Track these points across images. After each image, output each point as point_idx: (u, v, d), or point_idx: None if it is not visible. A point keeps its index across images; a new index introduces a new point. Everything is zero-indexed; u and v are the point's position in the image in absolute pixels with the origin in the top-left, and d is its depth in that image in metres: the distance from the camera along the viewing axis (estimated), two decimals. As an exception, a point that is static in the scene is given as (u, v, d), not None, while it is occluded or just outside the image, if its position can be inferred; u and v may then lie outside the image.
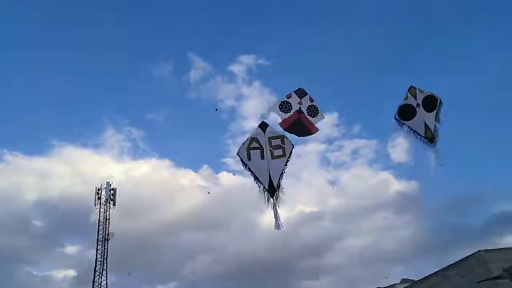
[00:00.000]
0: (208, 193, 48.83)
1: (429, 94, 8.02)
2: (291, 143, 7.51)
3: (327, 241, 53.23)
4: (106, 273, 33.45)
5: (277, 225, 7.36)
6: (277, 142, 7.58)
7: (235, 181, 58.51)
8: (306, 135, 8.07)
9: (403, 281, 24.87)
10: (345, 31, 66.89)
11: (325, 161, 64.42)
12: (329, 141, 62.63)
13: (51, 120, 67.38)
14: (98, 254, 33.70)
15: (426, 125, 7.92)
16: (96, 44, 71.11)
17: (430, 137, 7.86)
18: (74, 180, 51.48)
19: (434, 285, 17.81)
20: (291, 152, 7.54)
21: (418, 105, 7.95)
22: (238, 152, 7.60)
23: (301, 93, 8.23)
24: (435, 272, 18.17)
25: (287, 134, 7.80)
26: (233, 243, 49.99)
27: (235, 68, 62.73)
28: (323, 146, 62.05)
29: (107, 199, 35.14)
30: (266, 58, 64.14)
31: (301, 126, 7.93)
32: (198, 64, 66.32)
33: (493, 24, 59.97)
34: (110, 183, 36.13)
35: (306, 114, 7.95)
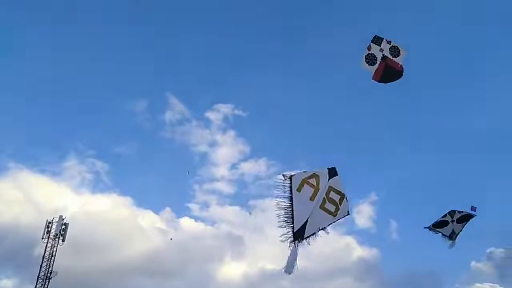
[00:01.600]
0: (171, 239, 47.24)
1: (395, 45, 8.07)
2: (348, 210, 6.70)
3: (286, 303, 51.55)
4: (42, 314, 31.07)
5: (289, 268, 6.22)
6: (336, 197, 6.71)
7: (197, 228, 57.08)
8: (398, 78, 8.02)
9: None
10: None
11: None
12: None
13: (9, 140, 64.55)
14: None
15: (453, 232, 10.11)
16: (71, 67, 70.72)
17: (453, 239, 10.08)
18: (26, 207, 48.61)
19: None
20: (343, 217, 6.70)
21: (452, 221, 10.12)
22: (292, 175, 6.59)
23: (377, 40, 8.10)
24: None
25: None
26: (186, 294, 47.68)
27: (212, 115, 63.57)
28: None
29: (56, 234, 33.37)
30: (244, 109, 65.65)
31: (391, 72, 7.91)
32: (175, 105, 66.84)
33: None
34: (63, 217, 34.45)
35: (391, 57, 7.88)
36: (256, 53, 73.37)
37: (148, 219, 55.82)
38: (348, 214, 6.66)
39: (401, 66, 8.03)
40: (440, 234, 10.16)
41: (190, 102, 74.04)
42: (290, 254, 6.18)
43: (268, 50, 72.56)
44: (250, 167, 60.64)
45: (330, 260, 53.26)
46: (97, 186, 63.15)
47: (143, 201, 78.44)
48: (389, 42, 7.99)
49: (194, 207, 60.82)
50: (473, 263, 50.26)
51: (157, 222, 55.99)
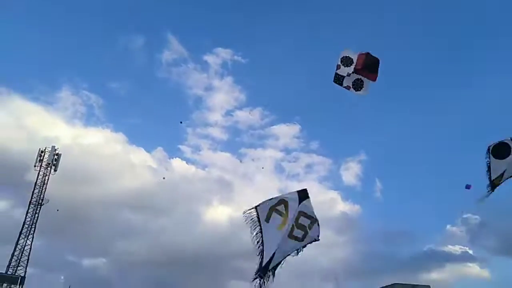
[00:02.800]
0: (164, 178, 48.06)
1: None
2: (318, 234, 6.38)
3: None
4: (33, 237, 32.44)
5: None
6: (306, 222, 6.45)
7: (187, 170, 58.01)
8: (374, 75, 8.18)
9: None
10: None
11: (279, 169, 65.31)
12: (287, 151, 63.55)
13: (3, 65, 62.89)
14: (27, 217, 32.54)
15: (503, 173, 7.31)
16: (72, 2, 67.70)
17: (495, 184, 7.32)
18: (17, 133, 48.51)
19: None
20: (311, 242, 6.40)
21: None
22: (258, 206, 6.40)
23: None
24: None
25: None
26: (172, 231, 49.50)
27: (210, 59, 62.04)
28: (280, 155, 62.80)
29: (48, 164, 33.79)
30: (243, 56, 64.07)
31: (372, 65, 8.07)
32: (173, 45, 64.71)
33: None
34: (56, 148, 34.75)
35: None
36: (264, 1, 70.63)
37: (140, 157, 56.56)
38: (317, 239, 6.39)
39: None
40: (488, 169, 7.32)
41: (189, 43, 72.20)
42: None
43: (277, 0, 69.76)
44: (245, 116, 60.68)
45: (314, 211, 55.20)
46: (90, 119, 63.11)
47: (135, 138, 78.86)
48: (355, 72, 8.08)
49: (186, 149, 61.54)
50: (448, 227, 53.02)
51: (148, 160, 56.82)
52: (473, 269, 47.31)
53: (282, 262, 6.22)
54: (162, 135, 72.87)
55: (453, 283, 47.87)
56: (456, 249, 48.50)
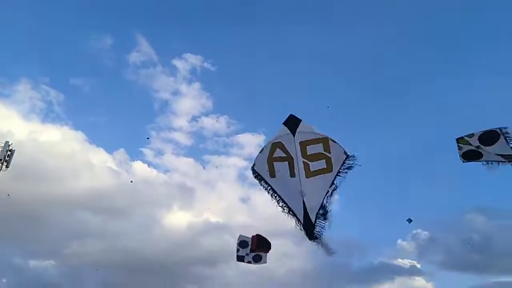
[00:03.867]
0: (131, 182, 47.18)
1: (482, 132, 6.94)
2: (343, 150, 5.01)
3: (225, 254, 53.71)
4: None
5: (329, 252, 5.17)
6: (317, 148, 5.06)
7: (149, 173, 57.19)
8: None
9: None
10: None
11: (242, 178, 65.60)
12: (251, 160, 63.53)
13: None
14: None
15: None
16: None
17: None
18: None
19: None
20: (344, 163, 5.02)
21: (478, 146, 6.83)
22: (254, 165, 5.33)
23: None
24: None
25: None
26: (129, 234, 48.25)
27: (180, 63, 61.65)
28: (244, 163, 63.20)
29: (0, 159, 32.05)
30: (213, 63, 64.14)
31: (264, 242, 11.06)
32: (143, 47, 63.86)
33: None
34: (10, 143, 33.02)
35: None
36: (237, 9, 71.26)
37: (100, 158, 55.00)
38: (347, 155, 4.99)
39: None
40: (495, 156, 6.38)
41: (159, 46, 71.35)
42: (323, 249, 5.13)
43: (251, 10, 70.56)
44: (210, 123, 60.61)
45: (274, 221, 55.74)
46: (48, 115, 60.53)
47: (96, 138, 76.57)
48: (252, 251, 11.69)
49: (148, 152, 60.42)
50: (399, 241, 55.28)
51: (108, 161, 55.36)
52: (420, 282, 49.50)
53: (326, 207, 5.02)
54: (124, 137, 71.39)
55: (400, 296, 49.74)
56: (406, 262, 50.84)
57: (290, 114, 5.26)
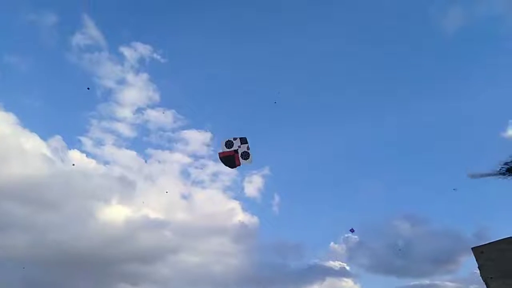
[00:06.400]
0: (73, 165, 44.25)
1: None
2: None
3: (162, 251, 53.01)
4: None
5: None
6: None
7: (87, 164, 54.59)
8: (231, 167, 13.44)
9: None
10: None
11: (185, 174, 65.05)
12: (196, 157, 63.86)
13: None
14: None
15: None
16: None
17: None
18: None
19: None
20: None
21: None
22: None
23: (244, 140, 13.55)
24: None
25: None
26: (61, 227, 45.73)
27: (128, 51, 59.68)
28: (188, 160, 62.86)
29: None
30: (163, 55, 62.78)
31: (230, 160, 13.19)
32: (89, 29, 60.71)
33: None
34: None
35: (239, 155, 13.36)
36: (193, 6, 70.17)
37: (33, 143, 51.31)
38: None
39: (239, 163, 14.09)
40: None
41: (107, 30, 68.25)
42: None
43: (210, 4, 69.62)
44: (156, 116, 59.39)
45: (213, 220, 56.26)
46: (-24, 95, 55.66)
47: (29, 122, 70.35)
48: (248, 148, 14.19)
49: (87, 141, 57.70)
50: (331, 244, 58.24)
51: (43, 148, 51.91)
52: (348, 283, 52.95)
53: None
54: (62, 123, 66.82)
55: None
56: (336, 264, 54.06)
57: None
